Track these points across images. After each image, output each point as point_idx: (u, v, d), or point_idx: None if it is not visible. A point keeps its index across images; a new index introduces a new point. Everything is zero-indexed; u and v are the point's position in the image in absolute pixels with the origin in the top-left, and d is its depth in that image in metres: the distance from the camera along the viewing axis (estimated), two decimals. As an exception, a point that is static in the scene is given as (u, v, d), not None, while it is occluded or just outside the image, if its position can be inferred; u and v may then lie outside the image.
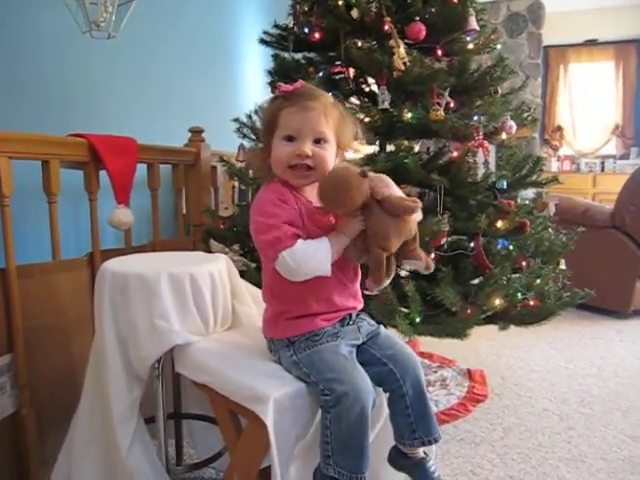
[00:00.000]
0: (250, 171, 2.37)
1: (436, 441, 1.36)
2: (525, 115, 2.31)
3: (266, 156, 1.32)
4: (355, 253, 1.28)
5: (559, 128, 7.68)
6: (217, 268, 1.57)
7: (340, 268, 1.32)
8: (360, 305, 1.42)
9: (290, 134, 1.26)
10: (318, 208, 1.28)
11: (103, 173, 2.15)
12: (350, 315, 1.38)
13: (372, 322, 1.44)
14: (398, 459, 1.39)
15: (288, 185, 1.31)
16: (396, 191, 1.28)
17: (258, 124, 2.40)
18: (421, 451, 1.37)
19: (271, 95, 1.38)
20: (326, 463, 1.22)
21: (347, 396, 1.19)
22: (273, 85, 2.40)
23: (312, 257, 1.22)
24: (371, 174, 1.26)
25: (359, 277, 1.42)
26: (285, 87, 1.28)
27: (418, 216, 1.28)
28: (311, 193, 1.33)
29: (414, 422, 1.33)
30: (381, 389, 1.38)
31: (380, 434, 1.42)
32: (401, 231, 1.25)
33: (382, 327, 1.44)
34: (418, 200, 1.24)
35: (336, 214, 1.28)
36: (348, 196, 1.20)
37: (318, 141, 1.28)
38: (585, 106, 7.58)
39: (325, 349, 1.29)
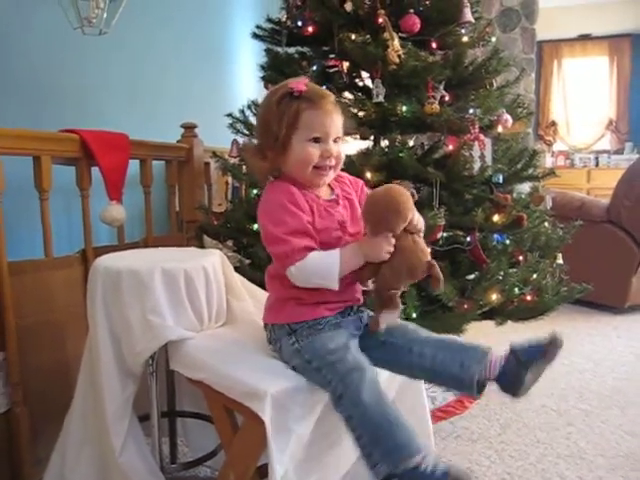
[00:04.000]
0: (244, 167, 2.35)
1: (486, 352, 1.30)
2: (520, 110, 2.29)
3: (278, 155, 1.30)
4: (365, 278, 1.32)
5: (553, 123, 7.70)
6: (211, 263, 1.54)
7: None
8: (361, 298, 1.42)
9: (318, 136, 1.28)
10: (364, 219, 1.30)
11: (95, 169, 2.13)
12: (352, 307, 1.38)
13: (371, 313, 1.42)
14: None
15: (297, 183, 1.31)
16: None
17: (252, 119, 2.38)
18: (496, 355, 1.30)
19: (268, 91, 1.35)
20: (373, 464, 1.11)
21: (352, 373, 1.18)
22: (266, 80, 2.37)
23: (319, 274, 1.25)
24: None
25: None
26: (298, 86, 1.27)
27: None
28: (320, 189, 1.35)
29: (454, 356, 1.28)
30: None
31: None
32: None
33: None
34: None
35: (371, 231, 1.28)
36: (396, 214, 1.23)
37: (335, 140, 1.31)
38: (579, 101, 7.60)
39: (326, 335, 1.29)
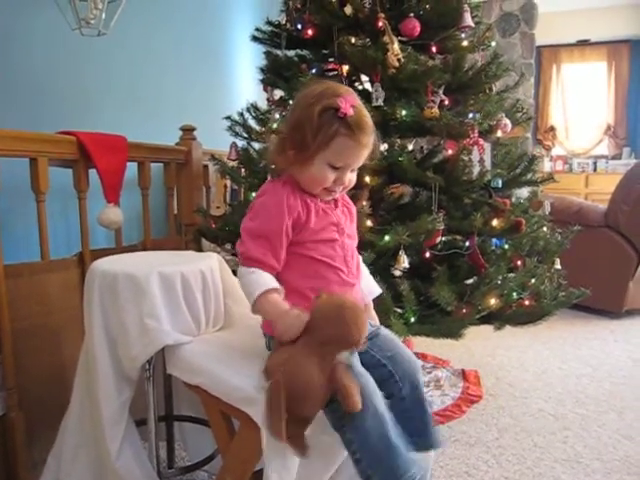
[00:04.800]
0: (243, 170, 2.35)
1: (433, 449, 1.33)
2: (519, 115, 2.30)
3: (296, 163, 1.27)
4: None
5: (552, 128, 7.70)
6: (209, 267, 1.54)
7: (344, 261, 1.32)
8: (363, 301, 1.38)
9: (340, 166, 1.26)
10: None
11: (93, 172, 2.12)
12: None
13: (374, 323, 1.41)
14: None
15: (299, 187, 1.30)
16: None
17: (251, 122, 2.38)
18: None
19: (312, 88, 1.28)
20: None
21: None
22: (265, 82, 2.37)
23: (245, 290, 1.27)
24: None
25: (360, 274, 1.41)
26: (346, 108, 1.21)
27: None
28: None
29: (413, 428, 1.29)
30: None
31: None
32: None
33: (382, 327, 1.41)
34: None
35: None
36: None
37: (353, 169, 1.31)
38: (578, 106, 7.60)
39: None
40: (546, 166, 7.35)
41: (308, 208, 1.29)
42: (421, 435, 1.30)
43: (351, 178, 1.31)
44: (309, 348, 1.13)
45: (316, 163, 1.25)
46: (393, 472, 1.15)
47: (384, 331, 1.40)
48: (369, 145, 1.27)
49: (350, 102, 1.23)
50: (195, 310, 1.48)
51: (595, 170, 7.38)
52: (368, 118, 1.27)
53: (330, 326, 1.12)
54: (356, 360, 1.26)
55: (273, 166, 1.38)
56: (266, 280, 1.23)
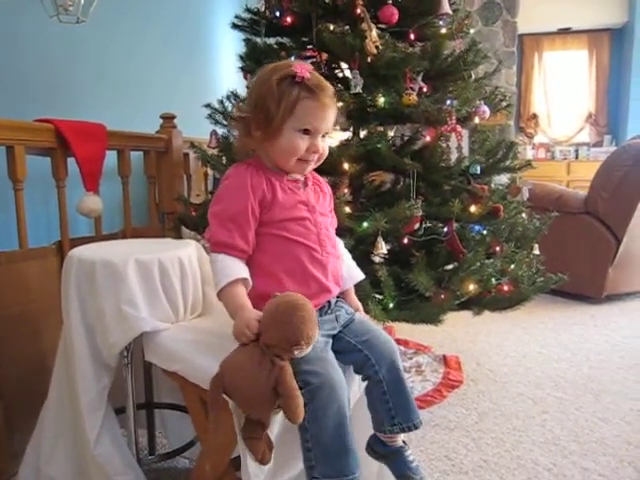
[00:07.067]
0: (224, 158, 2.34)
1: (416, 427, 1.34)
2: (499, 101, 2.31)
3: (266, 139, 1.27)
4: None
5: (534, 116, 7.74)
6: (187, 254, 1.54)
7: (318, 240, 1.31)
8: (339, 289, 1.39)
9: (309, 129, 1.26)
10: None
11: (73, 160, 2.10)
12: (329, 303, 1.35)
13: (350, 310, 1.40)
14: (377, 448, 1.37)
15: (264, 167, 1.30)
16: None
17: (230, 110, 2.37)
18: (400, 439, 1.35)
19: (267, 66, 1.30)
20: (312, 477, 1.17)
21: (322, 389, 1.15)
22: (245, 70, 2.36)
23: (215, 276, 1.25)
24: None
25: (340, 255, 1.41)
26: (302, 72, 1.23)
27: None
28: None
29: (393, 408, 1.31)
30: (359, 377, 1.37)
31: (355, 423, 1.40)
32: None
33: (356, 314, 1.41)
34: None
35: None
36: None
37: (324, 135, 1.31)
38: (559, 94, 7.65)
39: None
40: (528, 154, 7.40)
41: (273, 185, 1.28)
42: (402, 415, 1.32)
43: (324, 146, 1.31)
44: (257, 351, 1.12)
45: (285, 133, 1.25)
46: (337, 470, 1.16)
47: (358, 317, 1.40)
48: (332, 106, 1.28)
49: (305, 68, 1.25)
50: (173, 297, 1.48)
51: (577, 158, 7.45)
52: (325, 81, 1.29)
53: (274, 327, 1.10)
54: (329, 352, 1.27)
55: (241, 151, 1.38)
56: (232, 270, 1.23)
